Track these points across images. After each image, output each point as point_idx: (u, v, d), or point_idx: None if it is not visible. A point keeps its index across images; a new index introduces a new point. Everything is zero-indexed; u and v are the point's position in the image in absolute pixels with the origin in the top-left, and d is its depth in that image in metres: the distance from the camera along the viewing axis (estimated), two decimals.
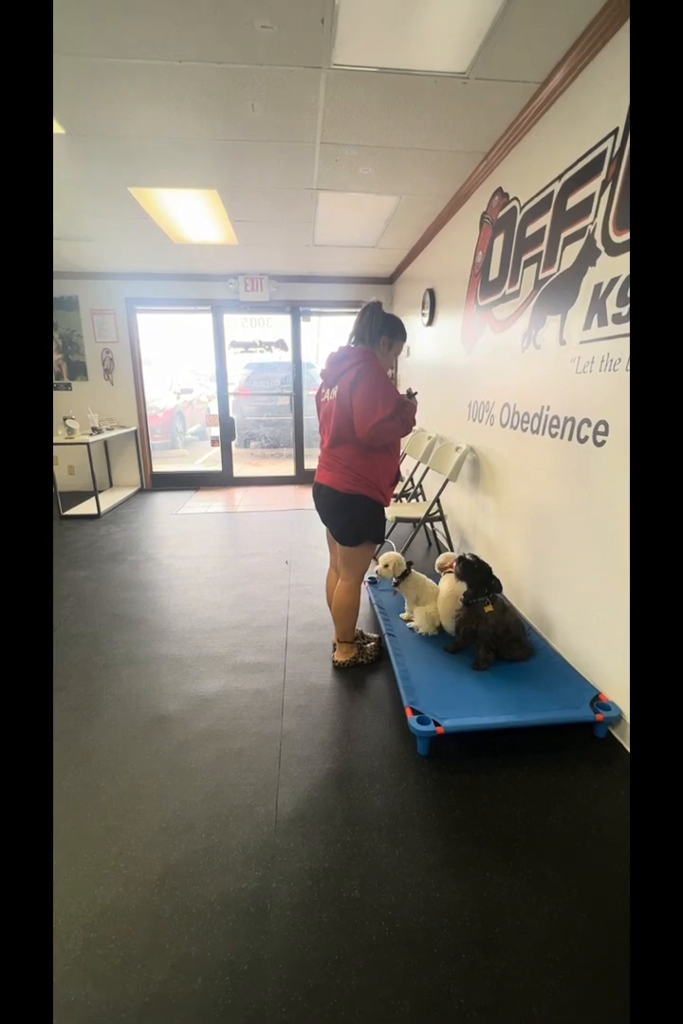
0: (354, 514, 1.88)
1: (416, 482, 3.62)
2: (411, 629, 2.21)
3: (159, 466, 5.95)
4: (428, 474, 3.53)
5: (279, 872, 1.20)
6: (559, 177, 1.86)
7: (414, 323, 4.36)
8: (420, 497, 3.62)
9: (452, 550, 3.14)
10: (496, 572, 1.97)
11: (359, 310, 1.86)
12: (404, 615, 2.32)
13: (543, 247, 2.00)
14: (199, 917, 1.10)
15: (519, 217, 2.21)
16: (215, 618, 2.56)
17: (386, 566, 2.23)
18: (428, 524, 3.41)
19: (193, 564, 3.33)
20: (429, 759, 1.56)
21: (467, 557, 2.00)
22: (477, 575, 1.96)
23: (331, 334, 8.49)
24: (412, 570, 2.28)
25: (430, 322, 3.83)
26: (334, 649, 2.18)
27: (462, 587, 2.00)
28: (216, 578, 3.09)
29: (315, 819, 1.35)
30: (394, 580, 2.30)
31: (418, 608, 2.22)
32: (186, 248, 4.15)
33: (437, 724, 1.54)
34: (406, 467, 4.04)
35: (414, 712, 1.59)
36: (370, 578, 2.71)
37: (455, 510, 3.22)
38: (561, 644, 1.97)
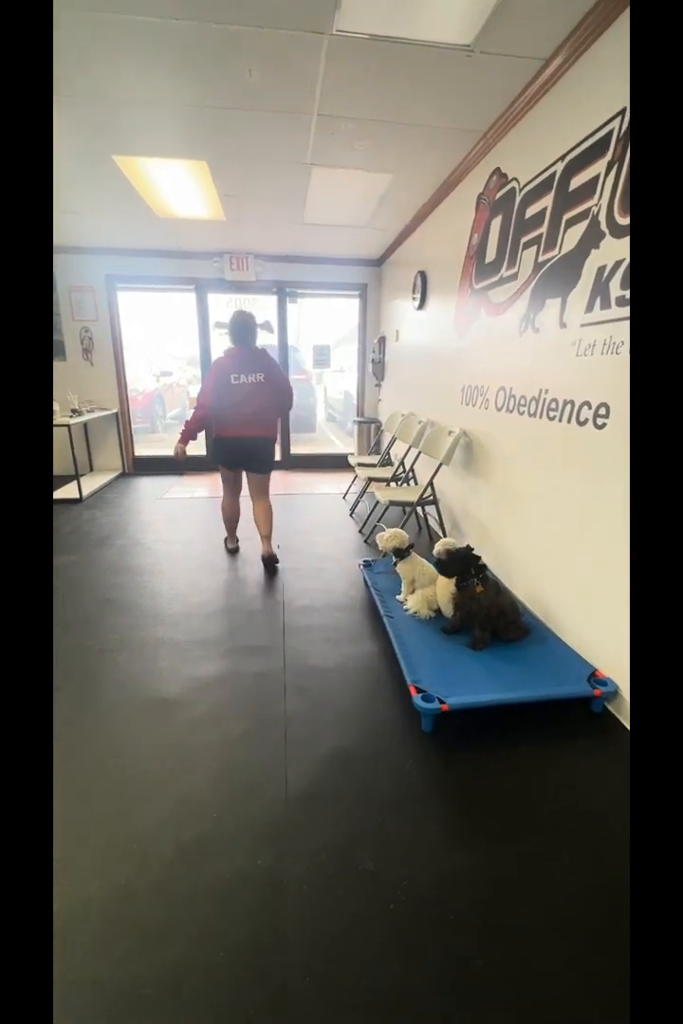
0: (272, 452, 2.96)
1: (407, 466, 3.63)
2: (407, 611, 2.23)
3: (141, 450, 5.80)
4: (419, 459, 3.54)
5: (293, 849, 1.21)
6: (562, 157, 1.86)
7: (404, 307, 4.34)
8: (412, 481, 3.63)
9: (445, 534, 3.17)
10: (489, 554, 2.00)
11: (235, 317, 2.71)
12: (400, 597, 2.33)
13: (543, 229, 2.00)
14: (216, 894, 1.10)
15: (518, 198, 2.21)
16: (209, 602, 2.53)
17: (389, 538, 2.28)
18: (419, 508, 3.43)
19: (182, 549, 3.28)
20: (433, 736, 1.59)
21: (440, 557, 2.03)
22: (456, 564, 1.99)
23: (316, 317, 8.39)
24: (412, 551, 2.30)
25: (421, 306, 3.81)
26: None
27: None
28: (207, 563, 3.05)
29: (325, 797, 1.36)
30: (394, 558, 2.32)
31: (415, 591, 2.25)
32: (170, 223, 4.01)
33: (441, 702, 1.56)
34: (397, 451, 4.04)
35: (418, 690, 1.61)
36: (365, 561, 2.72)
37: (447, 494, 3.24)
38: (556, 624, 2.02)
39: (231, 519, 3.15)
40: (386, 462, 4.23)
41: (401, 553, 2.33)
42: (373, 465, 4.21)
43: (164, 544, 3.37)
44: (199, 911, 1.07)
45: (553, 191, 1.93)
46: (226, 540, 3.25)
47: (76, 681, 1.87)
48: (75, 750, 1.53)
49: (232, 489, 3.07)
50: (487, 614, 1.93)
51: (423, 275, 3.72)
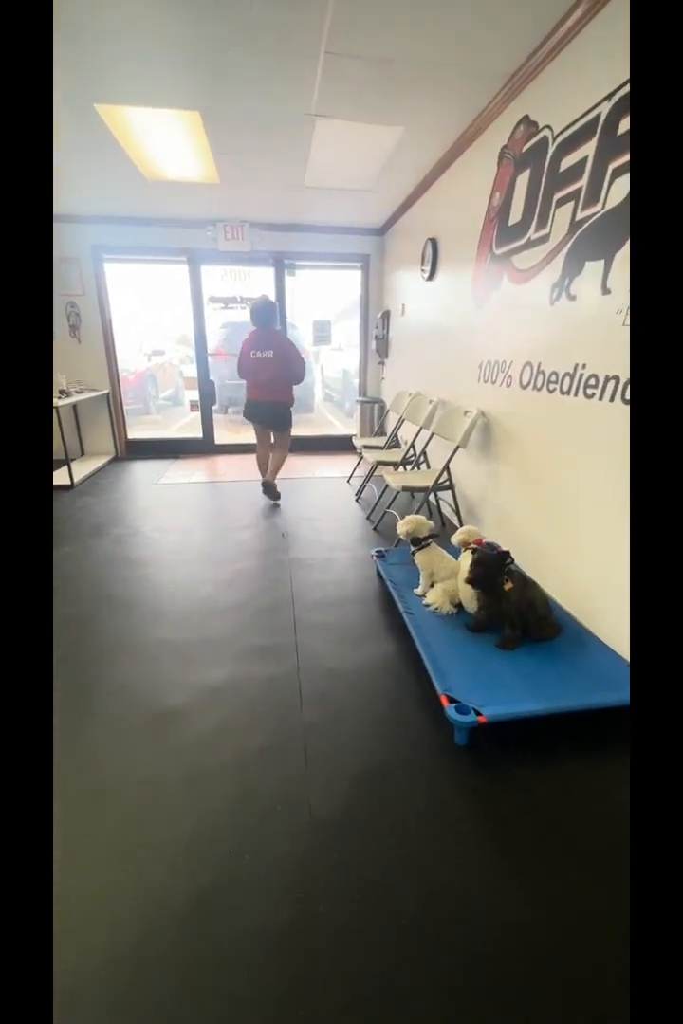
0: (289, 412, 3.71)
1: (418, 450, 3.43)
2: (427, 607, 2.07)
3: (134, 433, 5.56)
4: (430, 441, 3.34)
5: (325, 890, 1.06)
6: (609, 96, 1.64)
7: (412, 279, 4.09)
8: (423, 465, 3.44)
9: (461, 521, 3.01)
10: (508, 543, 1.84)
11: (255, 303, 3.53)
12: (418, 590, 2.18)
13: (583, 182, 1.79)
14: (240, 956, 0.95)
15: (551, 149, 1.98)
16: (213, 597, 2.36)
17: (406, 523, 2.15)
18: (432, 494, 3.26)
19: (182, 538, 3.10)
20: (467, 749, 1.45)
21: (472, 577, 1.81)
22: (490, 570, 1.79)
23: (313, 291, 8.06)
24: (432, 541, 2.14)
25: (431, 276, 3.58)
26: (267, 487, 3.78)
27: None
28: (209, 553, 2.88)
29: (356, 824, 1.22)
30: (413, 548, 2.16)
31: (436, 585, 2.09)
32: (160, 187, 3.72)
33: (477, 713, 1.41)
34: (406, 433, 3.85)
35: (450, 700, 1.47)
36: (378, 551, 2.55)
37: (461, 479, 3.07)
38: (592, 621, 1.87)
39: (262, 463, 3.86)
40: (393, 444, 4.04)
41: (419, 542, 2.17)
42: (380, 447, 4.02)
43: (163, 533, 3.19)
44: (223, 981, 0.92)
45: (597, 137, 1.71)
46: (262, 482, 3.83)
47: (71, 690, 1.71)
48: (71, 774, 1.37)
49: (261, 442, 3.82)
50: (517, 610, 1.79)
51: (434, 243, 3.48)
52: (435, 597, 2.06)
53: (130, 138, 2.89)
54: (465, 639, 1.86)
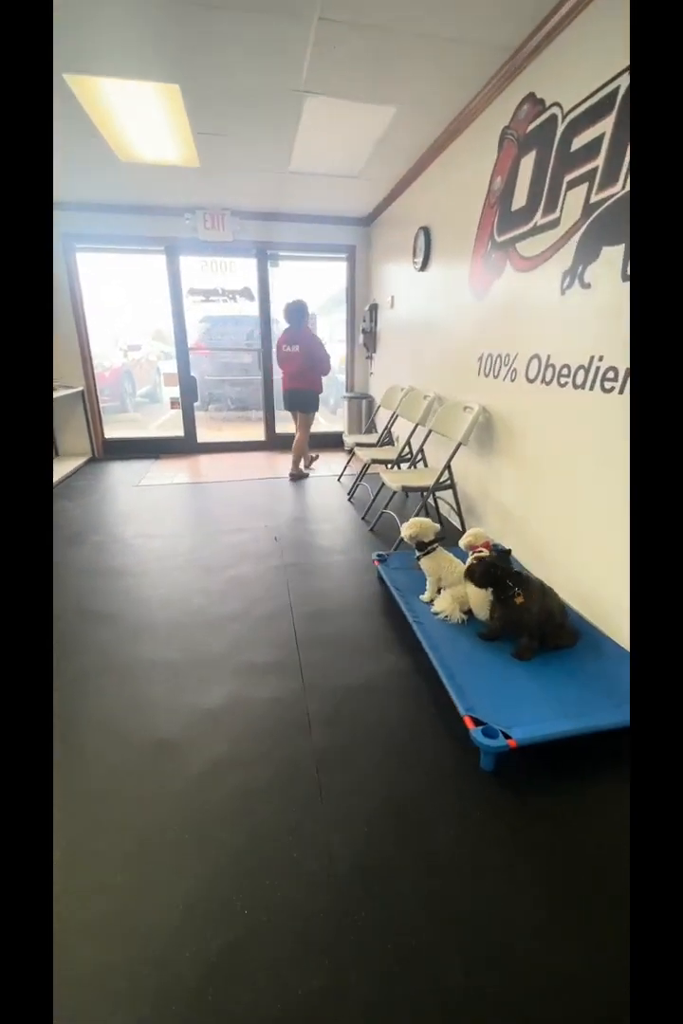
0: (313, 397, 4.21)
1: (415, 447, 3.31)
2: (435, 615, 1.96)
3: (111, 432, 5.29)
4: (427, 439, 3.23)
5: (354, 956, 0.93)
6: (629, 69, 1.53)
7: (401, 270, 3.97)
8: (420, 463, 3.32)
9: (463, 522, 2.90)
10: (513, 542, 1.76)
11: (288, 305, 4.03)
12: (424, 597, 2.06)
13: (599, 162, 1.68)
14: None
15: (561, 127, 1.87)
16: (206, 609, 2.20)
17: (410, 527, 2.04)
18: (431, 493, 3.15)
19: (168, 544, 2.91)
20: (495, 775, 1.34)
21: (472, 570, 1.71)
22: (488, 578, 1.69)
23: (294, 284, 7.84)
24: (438, 546, 2.03)
25: (424, 267, 3.46)
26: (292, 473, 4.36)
27: None
28: (198, 559, 2.71)
29: (382, 871, 1.09)
30: (418, 553, 2.04)
31: (443, 591, 1.98)
32: (137, 170, 3.49)
33: (506, 735, 1.30)
34: (402, 431, 3.73)
35: (475, 721, 1.35)
36: (379, 555, 2.43)
37: (460, 478, 2.96)
38: (613, 627, 1.78)
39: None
40: (386, 442, 3.91)
41: (425, 546, 2.06)
42: (372, 445, 3.89)
43: (146, 539, 2.99)
44: None
45: (615, 112, 1.60)
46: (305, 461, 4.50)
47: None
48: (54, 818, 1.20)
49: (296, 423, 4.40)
50: (536, 620, 1.68)
51: (426, 232, 3.35)
52: (444, 604, 1.94)
53: (104, 114, 2.67)
54: (479, 649, 1.75)
